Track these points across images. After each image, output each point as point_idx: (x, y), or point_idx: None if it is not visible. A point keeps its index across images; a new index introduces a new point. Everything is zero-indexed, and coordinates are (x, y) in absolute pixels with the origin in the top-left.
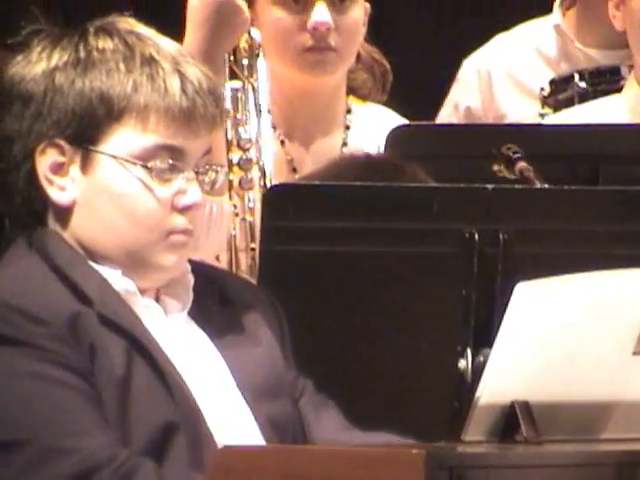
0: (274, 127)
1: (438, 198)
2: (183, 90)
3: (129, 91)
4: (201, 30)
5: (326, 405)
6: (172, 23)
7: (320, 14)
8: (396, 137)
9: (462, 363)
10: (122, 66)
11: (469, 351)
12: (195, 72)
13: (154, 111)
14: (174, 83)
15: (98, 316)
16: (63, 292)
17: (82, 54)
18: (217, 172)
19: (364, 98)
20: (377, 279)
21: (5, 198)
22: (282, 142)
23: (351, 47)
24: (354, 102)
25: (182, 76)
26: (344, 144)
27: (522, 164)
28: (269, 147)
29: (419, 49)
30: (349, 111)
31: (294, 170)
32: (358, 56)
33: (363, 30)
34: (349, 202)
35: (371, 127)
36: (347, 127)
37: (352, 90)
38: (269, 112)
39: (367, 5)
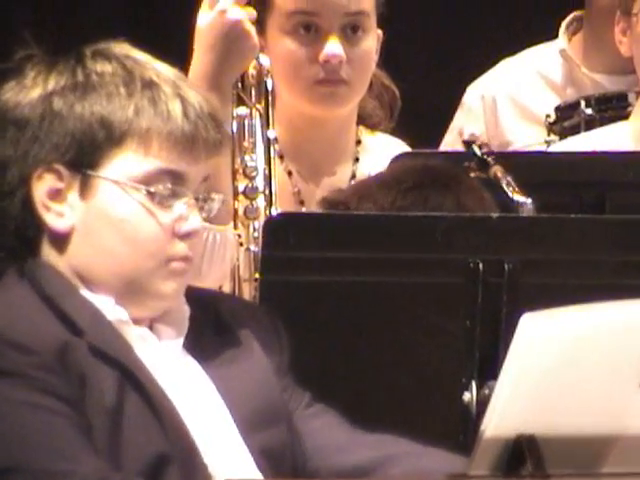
0: (281, 157)
1: (441, 227)
2: (185, 114)
3: (131, 115)
4: (208, 54)
5: (323, 413)
6: (169, 49)
7: (332, 46)
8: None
9: (467, 396)
10: (122, 90)
11: (474, 383)
12: (196, 96)
13: (156, 135)
14: (176, 107)
15: (89, 346)
16: (53, 322)
17: (80, 78)
18: (213, 200)
19: (373, 127)
20: (379, 310)
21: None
22: (289, 173)
23: (363, 79)
24: (364, 133)
25: (183, 100)
26: (353, 176)
27: (497, 167)
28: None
29: (422, 75)
30: (359, 142)
31: (301, 203)
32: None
33: (375, 58)
34: (351, 231)
35: (380, 159)
36: (356, 159)
37: (361, 119)
38: (276, 141)
39: (379, 32)
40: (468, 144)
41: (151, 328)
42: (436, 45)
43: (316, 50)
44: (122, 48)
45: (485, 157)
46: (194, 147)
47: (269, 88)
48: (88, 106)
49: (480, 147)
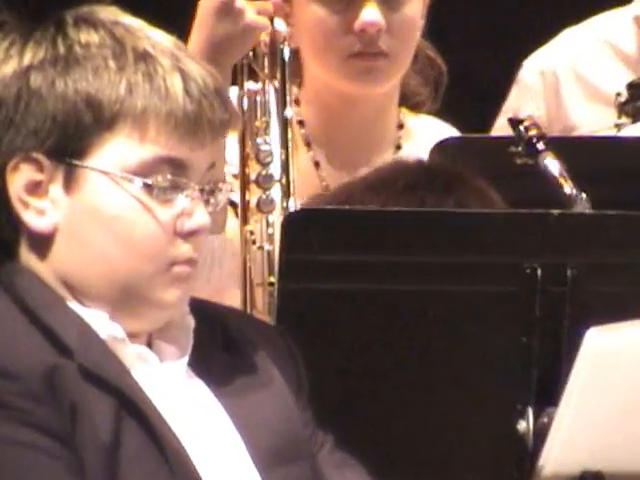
0: (308, 145)
1: (492, 226)
2: (186, 91)
3: (122, 93)
4: (199, 32)
5: (350, 465)
6: (167, 12)
7: (369, 12)
8: (442, 152)
9: (522, 425)
10: (112, 63)
11: (530, 410)
12: (198, 69)
13: (154, 117)
14: (176, 83)
15: (79, 369)
16: (37, 340)
17: (62, 49)
18: (220, 190)
19: (416, 108)
20: (418, 324)
21: None
22: (316, 164)
23: (406, 51)
24: (407, 115)
25: (184, 74)
26: None
27: (548, 154)
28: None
29: (472, 46)
30: (401, 126)
31: None
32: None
33: (420, 25)
34: (384, 230)
35: (426, 146)
36: (398, 146)
37: (403, 98)
38: (302, 125)
39: None
40: (515, 123)
41: (150, 345)
42: (488, 12)
43: (350, 17)
44: (110, 12)
45: (534, 141)
46: (198, 130)
47: (285, 59)
48: (72, 83)
49: (529, 128)
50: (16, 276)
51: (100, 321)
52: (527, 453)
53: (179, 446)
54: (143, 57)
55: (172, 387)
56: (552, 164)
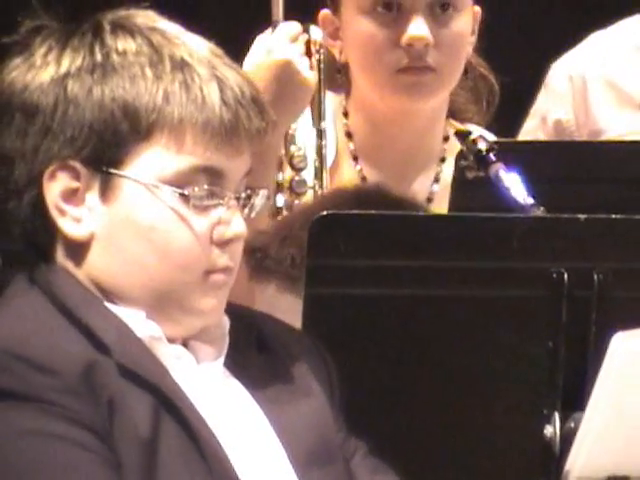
0: (355, 159)
1: (519, 230)
2: (223, 100)
3: (159, 102)
4: None
5: (383, 471)
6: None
7: (416, 27)
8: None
9: (549, 430)
10: (149, 72)
11: (557, 415)
12: (235, 77)
13: (190, 126)
14: (212, 92)
15: (117, 367)
16: (76, 338)
17: (99, 57)
18: (257, 195)
19: (464, 122)
20: (445, 328)
21: (3, 228)
22: (364, 179)
23: (454, 66)
24: (452, 128)
25: (221, 83)
26: (436, 180)
27: (498, 165)
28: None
29: (500, 50)
30: (446, 139)
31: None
32: (464, 71)
33: (472, 41)
34: (412, 236)
35: None
36: (442, 159)
37: (450, 114)
38: (350, 138)
39: (477, 9)
40: (462, 137)
41: (186, 346)
42: (516, 16)
43: (398, 32)
44: (147, 18)
45: (484, 153)
46: (234, 138)
47: (321, 66)
48: (108, 91)
49: (476, 140)
50: (53, 277)
51: (137, 320)
52: (554, 458)
53: (217, 444)
54: (180, 66)
55: (209, 387)
56: (504, 174)
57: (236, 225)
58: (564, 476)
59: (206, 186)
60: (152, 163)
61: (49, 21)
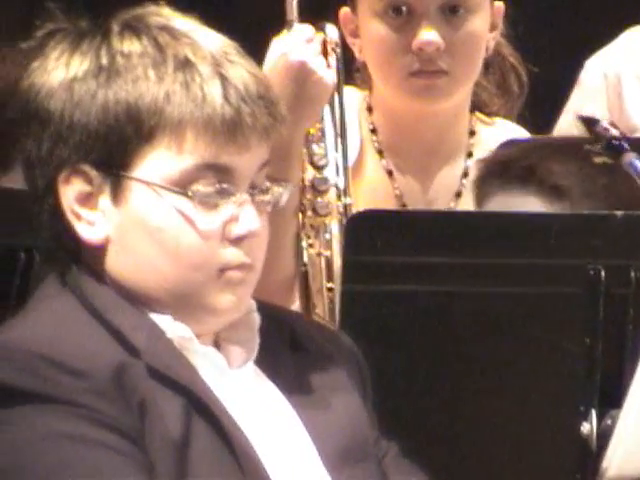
0: (380, 153)
1: (556, 227)
2: (225, 97)
3: (160, 103)
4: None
5: (415, 473)
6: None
7: (426, 32)
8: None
9: (586, 427)
10: (152, 73)
11: (594, 413)
12: (240, 73)
13: (191, 126)
14: (213, 89)
15: (147, 368)
16: (106, 340)
17: (104, 60)
18: (281, 185)
19: (490, 115)
20: (481, 325)
21: (29, 230)
22: (389, 173)
23: (468, 67)
24: (478, 122)
25: (224, 80)
26: (465, 174)
27: (631, 154)
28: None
29: (533, 46)
30: (472, 133)
31: (404, 207)
32: (488, 63)
33: (493, 36)
34: (447, 232)
35: None
36: (469, 154)
37: (476, 106)
38: (374, 133)
39: (498, 4)
40: (590, 123)
41: (217, 346)
42: (549, 12)
43: (409, 36)
44: (159, 16)
45: (616, 140)
46: (238, 135)
47: (337, 65)
48: (112, 94)
49: (607, 128)
50: (83, 279)
51: (166, 322)
52: (591, 455)
53: (248, 444)
54: (183, 65)
55: (239, 387)
56: (638, 163)
57: (249, 221)
58: (601, 473)
59: (215, 182)
60: (156, 164)
61: (67, 23)
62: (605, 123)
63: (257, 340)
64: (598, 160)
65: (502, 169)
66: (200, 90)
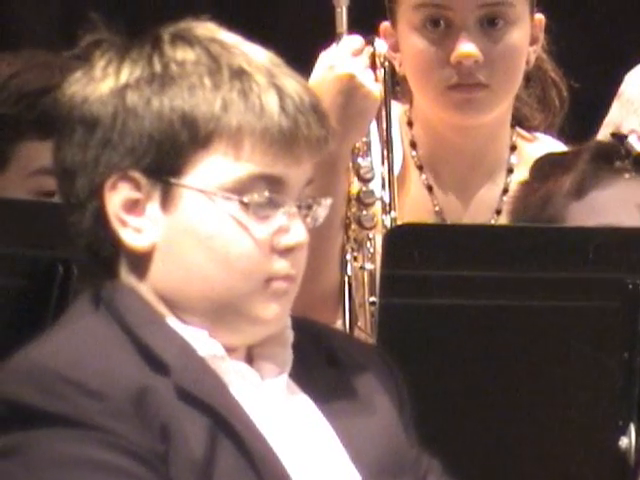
0: (420, 168)
1: (595, 241)
2: (282, 108)
3: (217, 111)
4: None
5: None
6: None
7: (465, 45)
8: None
9: (624, 442)
10: (207, 81)
11: (632, 427)
12: (295, 86)
13: (249, 134)
14: (271, 100)
15: (175, 388)
16: (133, 359)
17: (158, 68)
18: (320, 205)
19: (531, 129)
20: (518, 339)
21: (70, 241)
22: (429, 188)
23: (508, 80)
24: (519, 138)
25: (279, 91)
26: (505, 191)
27: None
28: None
29: (573, 59)
30: (513, 148)
31: (444, 222)
32: (528, 77)
33: (534, 49)
34: (485, 246)
35: None
36: (510, 170)
37: (517, 121)
38: (414, 147)
39: (539, 17)
40: (618, 139)
41: (250, 361)
42: (590, 25)
43: (448, 49)
44: (206, 29)
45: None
46: (294, 146)
47: (385, 79)
48: (167, 101)
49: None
50: (117, 294)
51: (200, 339)
52: (629, 470)
53: (274, 461)
54: (238, 74)
55: (273, 404)
56: None
57: (297, 233)
58: None
59: (266, 193)
60: (211, 171)
61: (109, 35)
62: (634, 139)
63: (290, 355)
64: (627, 175)
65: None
66: (258, 99)
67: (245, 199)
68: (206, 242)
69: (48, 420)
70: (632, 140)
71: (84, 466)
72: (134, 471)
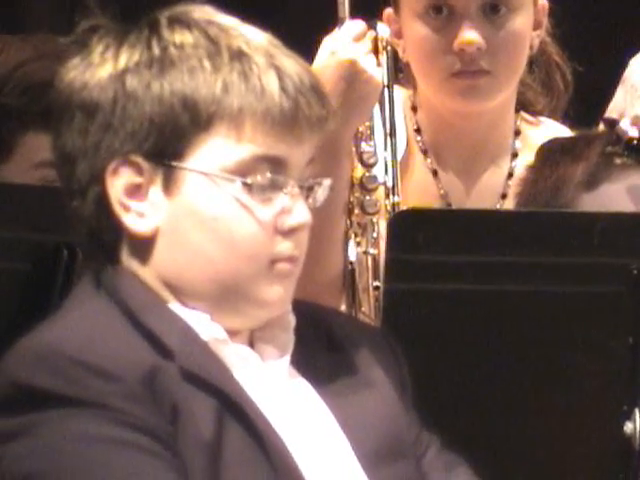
0: (424, 153)
1: (599, 227)
2: (282, 88)
3: (218, 93)
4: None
5: (457, 465)
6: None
7: (467, 32)
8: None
9: (629, 426)
10: (207, 63)
11: (637, 412)
12: (293, 66)
13: (250, 115)
14: (271, 81)
15: (180, 371)
16: (138, 342)
17: (156, 51)
18: (320, 186)
19: (535, 114)
20: (522, 324)
21: (73, 226)
22: (434, 172)
23: (511, 67)
24: (524, 123)
25: (279, 72)
26: (509, 175)
27: None
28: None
29: (578, 45)
30: (517, 133)
31: (448, 206)
32: (532, 62)
33: (538, 34)
34: (489, 231)
35: None
36: (515, 154)
37: (521, 105)
38: (419, 133)
39: (542, 2)
40: (610, 124)
41: (251, 345)
42: (594, 11)
43: (450, 36)
44: (203, 12)
45: (636, 142)
46: (295, 127)
47: (387, 63)
48: (167, 85)
49: (627, 129)
50: (118, 279)
51: (202, 322)
52: (634, 454)
53: (281, 445)
54: (238, 56)
55: (274, 386)
56: None
57: (300, 213)
58: None
59: (268, 174)
60: (213, 153)
61: (105, 21)
62: (625, 124)
63: (292, 339)
64: (618, 161)
65: None
66: (258, 80)
67: (248, 180)
68: (209, 225)
69: (61, 402)
70: (624, 125)
71: (102, 443)
72: (153, 448)
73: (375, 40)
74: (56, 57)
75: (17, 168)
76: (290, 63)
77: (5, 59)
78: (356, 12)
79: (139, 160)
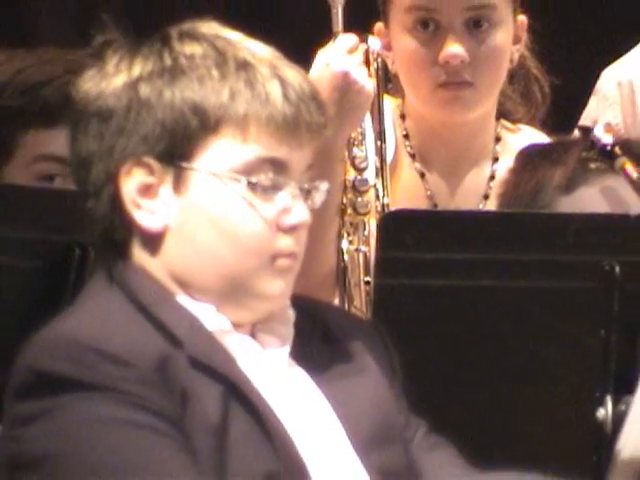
0: (412, 157)
1: (573, 227)
2: (285, 96)
3: (226, 100)
4: None
5: (442, 446)
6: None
7: (452, 46)
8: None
9: (601, 412)
10: (215, 73)
11: (609, 398)
12: (296, 76)
13: (255, 120)
14: (275, 89)
15: (189, 359)
16: (150, 332)
17: (168, 62)
18: (318, 189)
19: (514, 122)
20: (503, 318)
21: (85, 227)
22: (422, 174)
23: (492, 79)
24: (504, 130)
25: (282, 81)
26: (492, 177)
27: (624, 159)
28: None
29: (552, 58)
30: (498, 139)
31: (435, 206)
32: (512, 74)
33: (517, 49)
34: (473, 231)
35: None
36: (496, 159)
37: (501, 114)
38: (407, 139)
39: (521, 18)
40: (585, 131)
41: (253, 336)
42: (568, 26)
43: (436, 49)
44: (211, 27)
45: (609, 147)
46: (296, 132)
47: (379, 73)
48: (178, 92)
49: (601, 136)
50: (129, 274)
51: (207, 314)
52: (606, 438)
53: (283, 430)
54: (244, 66)
55: (275, 374)
56: (629, 167)
57: (300, 212)
58: (615, 455)
59: (271, 175)
60: (221, 154)
61: (119, 35)
62: (599, 131)
63: (291, 332)
64: (593, 165)
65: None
66: (263, 88)
67: (253, 180)
68: (216, 222)
69: (78, 387)
70: (598, 132)
71: (118, 425)
72: (164, 429)
73: (367, 52)
74: (52, 62)
75: (17, 167)
76: (292, 73)
77: (8, 67)
78: (349, 26)
79: (151, 161)
